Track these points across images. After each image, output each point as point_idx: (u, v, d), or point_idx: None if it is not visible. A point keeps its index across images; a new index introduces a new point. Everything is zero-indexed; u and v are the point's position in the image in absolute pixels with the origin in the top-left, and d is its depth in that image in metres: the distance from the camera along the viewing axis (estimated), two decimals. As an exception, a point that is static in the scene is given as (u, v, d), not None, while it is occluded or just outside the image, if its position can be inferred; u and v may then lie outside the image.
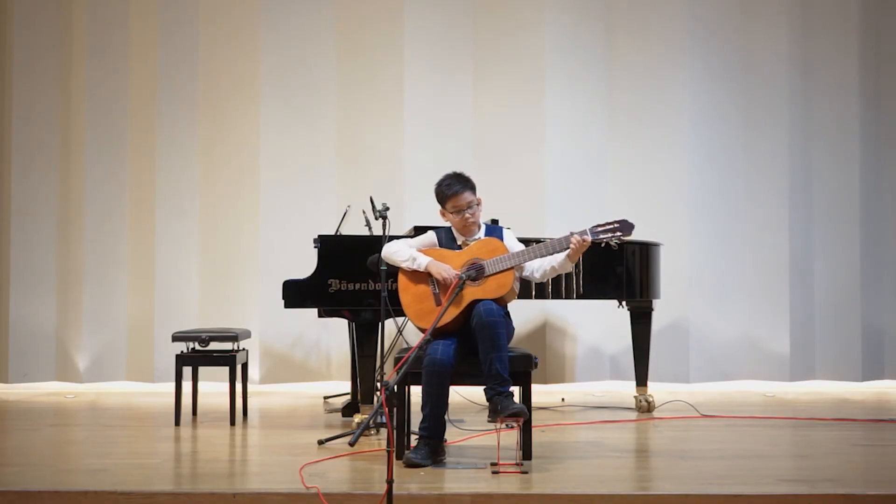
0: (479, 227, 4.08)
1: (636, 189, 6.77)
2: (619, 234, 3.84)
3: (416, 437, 3.88)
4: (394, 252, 4.04)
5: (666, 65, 6.81)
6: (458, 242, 4.02)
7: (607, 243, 3.87)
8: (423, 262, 3.94)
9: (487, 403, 3.78)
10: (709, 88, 6.84)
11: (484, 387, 3.76)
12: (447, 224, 4.11)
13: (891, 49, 6.90)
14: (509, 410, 3.64)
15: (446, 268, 3.88)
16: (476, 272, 3.85)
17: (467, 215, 3.97)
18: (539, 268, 4.01)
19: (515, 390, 3.85)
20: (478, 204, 4.03)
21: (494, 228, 4.15)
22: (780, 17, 6.83)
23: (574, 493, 3.30)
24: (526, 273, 4.05)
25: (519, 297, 4.98)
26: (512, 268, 3.88)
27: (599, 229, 3.86)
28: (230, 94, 6.80)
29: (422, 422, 3.83)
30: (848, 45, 6.83)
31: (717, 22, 6.86)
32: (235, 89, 6.79)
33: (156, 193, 6.74)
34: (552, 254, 3.90)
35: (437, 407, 3.80)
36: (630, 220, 3.89)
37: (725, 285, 6.78)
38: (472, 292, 3.83)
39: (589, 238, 3.84)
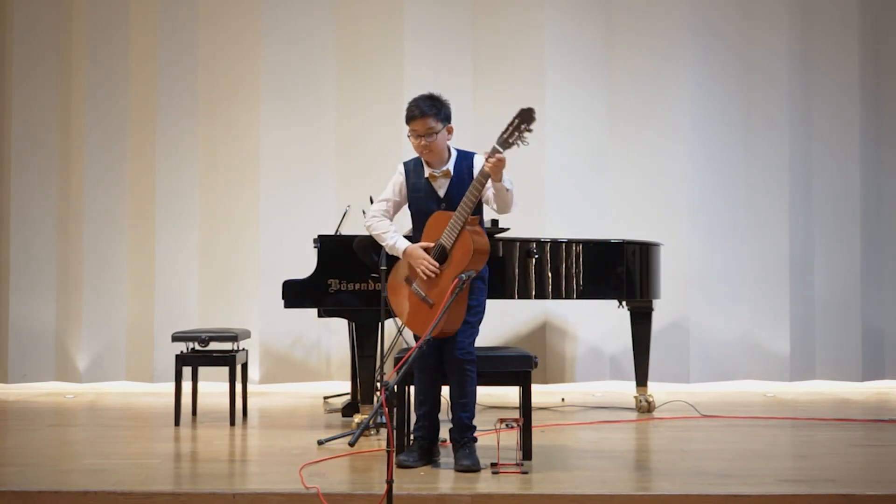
0: (451, 154, 3.88)
1: (636, 189, 6.77)
2: (523, 127, 3.67)
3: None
4: (382, 232, 3.89)
5: (666, 65, 6.81)
6: (426, 174, 3.84)
7: (519, 143, 3.67)
8: (400, 247, 3.81)
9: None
10: (709, 88, 6.84)
11: (451, 427, 3.81)
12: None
13: (891, 49, 6.90)
14: (459, 465, 3.67)
15: (420, 258, 3.71)
16: (439, 253, 3.71)
17: (423, 143, 3.79)
18: (490, 201, 3.82)
19: (515, 390, 3.84)
20: (449, 132, 3.84)
21: (466, 155, 3.90)
22: (780, 17, 6.83)
23: (574, 493, 3.30)
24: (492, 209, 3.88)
25: (519, 297, 5.01)
26: (463, 228, 3.67)
27: (505, 136, 3.68)
28: (230, 94, 6.80)
29: (416, 422, 3.84)
30: (848, 45, 6.83)
31: (717, 22, 6.86)
32: (235, 89, 6.79)
33: (156, 194, 6.74)
34: (483, 187, 3.69)
35: (430, 407, 3.82)
36: (527, 107, 3.70)
37: (725, 285, 6.78)
38: (448, 273, 3.67)
39: (500, 151, 3.64)
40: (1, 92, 6.84)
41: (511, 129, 3.67)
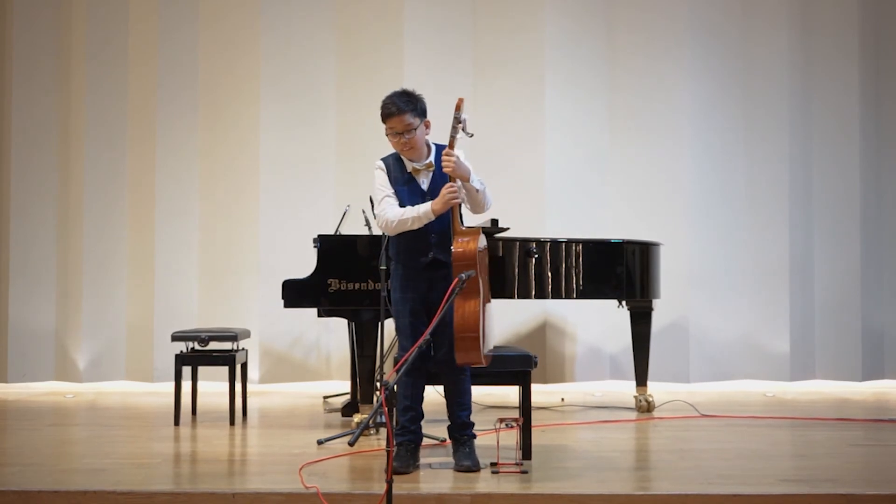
0: (430, 148, 3.83)
1: (636, 189, 6.77)
2: (454, 118, 3.61)
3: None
4: (400, 216, 3.71)
5: (666, 64, 6.81)
6: (409, 170, 3.80)
7: (464, 131, 3.64)
8: (423, 211, 3.67)
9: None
10: (709, 88, 6.84)
11: (449, 424, 3.79)
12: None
13: (891, 49, 6.91)
14: (459, 465, 3.66)
15: (442, 193, 3.63)
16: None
17: (403, 140, 3.73)
18: (464, 201, 3.80)
19: (515, 390, 3.84)
20: (427, 127, 3.78)
21: (441, 147, 3.79)
22: (780, 17, 6.84)
23: (574, 493, 3.30)
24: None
25: (518, 297, 5.01)
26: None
27: (450, 136, 3.64)
28: (230, 95, 6.79)
29: (398, 427, 3.71)
30: (848, 45, 6.83)
31: (717, 22, 6.86)
32: (235, 89, 6.79)
33: (155, 194, 6.74)
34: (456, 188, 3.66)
35: (416, 413, 3.77)
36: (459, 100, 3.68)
37: (725, 285, 6.78)
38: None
39: (448, 152, 3.61)
40: (1, 92, 6.83)
41: (452, 128, 3.66)
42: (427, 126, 3.80)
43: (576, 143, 6.81)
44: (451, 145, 3.65)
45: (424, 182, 3.80)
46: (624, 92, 6.85)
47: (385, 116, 3.74)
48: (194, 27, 6.79)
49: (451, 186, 3.64)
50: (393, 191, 3.81)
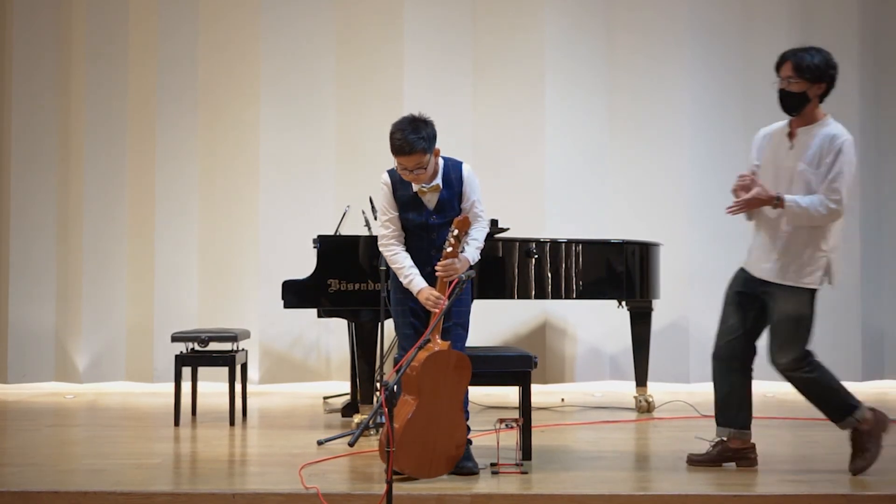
0: (438, 169, 3.75)
1: (636, 189, 6.77)
2: (457, 237, 3.60)
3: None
4: (399, 267, 3.73)
5: (666, 65, 6.81)
6: (415, 189, 3.72)
7: (459, 241, 3.62)
8: (416, 286, 3.67)
9: None
10: (709, 88, 6.83)
11: None
12: None
13: (891, 49, 6.91)
14: (459, 467, 3.61)
15: (425, 296, 3.63)
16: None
17: (413, 174, 3.65)
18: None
19: (515, 390, 3.83)
20: (436, 155, 3.70)
21: (453, 165, 3.78)
22: (780, 17, 6.83)
23: (574, 493, 3.30)
24: None
25: (518, 297, 5.01)
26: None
27: (445, 250, 3.61)
28: (230, 95, 6.79)
29: None
30: (848, 46, 6.81)
31: (717, 22, 6.86)
32: (235, 90, 6.78)
33: (156, 194, 6.74)
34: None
35: None
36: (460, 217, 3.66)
37: (725, 285, 6.74)
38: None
39: (444, 265, 3.60)
40: (1, 92, 6.83)
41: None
42: (436, 155, 3.71)
43: (576, 143, 6.81)
44: (446, 256, 3.59)
45: (431, 202, 3.74)
46: (624, 92, 6.85)
47: (395, 152, 3.63)
48: (194, 27, 6.79)
49: (433, 301, 3.59)
50: (395, 214, 3.75)
